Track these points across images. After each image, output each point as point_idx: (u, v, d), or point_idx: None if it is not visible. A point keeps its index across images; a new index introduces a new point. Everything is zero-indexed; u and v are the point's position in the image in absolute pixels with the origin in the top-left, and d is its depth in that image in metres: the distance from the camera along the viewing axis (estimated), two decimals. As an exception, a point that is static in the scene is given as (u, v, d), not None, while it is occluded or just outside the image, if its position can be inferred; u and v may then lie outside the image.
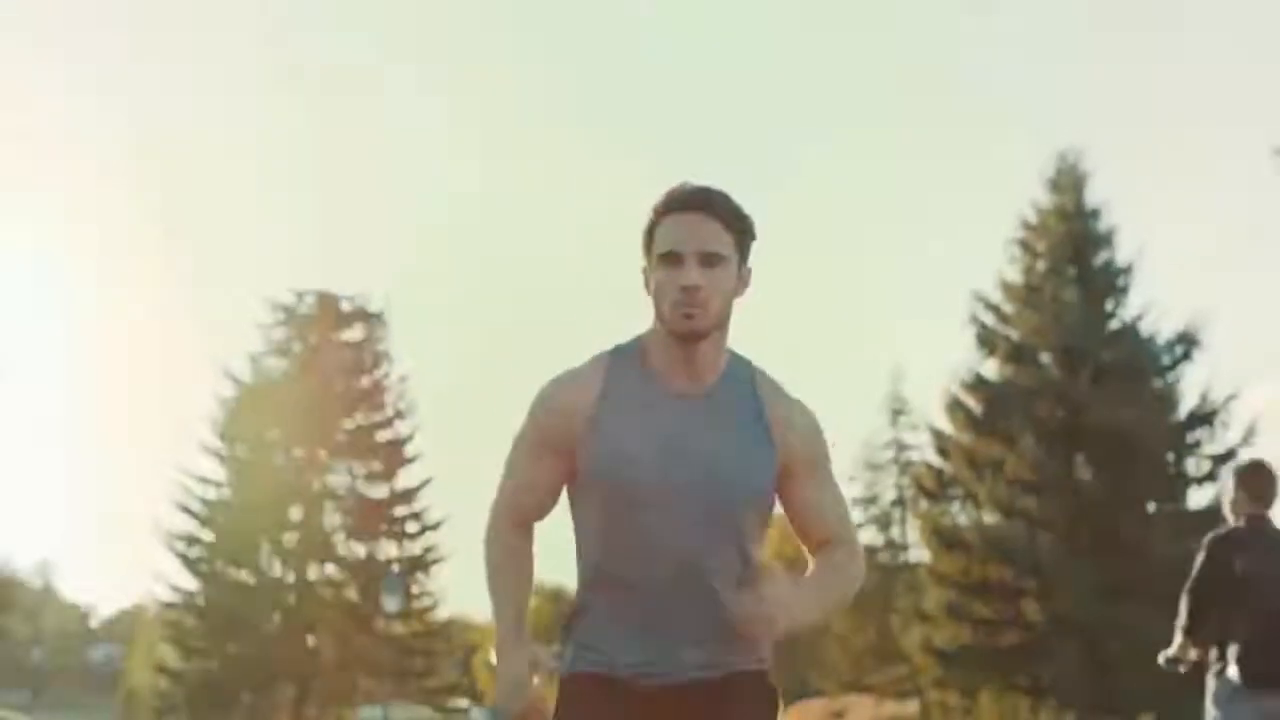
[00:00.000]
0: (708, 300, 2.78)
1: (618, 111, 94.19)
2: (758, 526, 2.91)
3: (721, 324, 2.86)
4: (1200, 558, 5.97)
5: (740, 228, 2.86)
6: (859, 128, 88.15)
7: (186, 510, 35.71)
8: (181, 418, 62.55)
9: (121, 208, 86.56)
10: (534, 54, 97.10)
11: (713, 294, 2.79)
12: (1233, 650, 5.82)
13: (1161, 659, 6.12)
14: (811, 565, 2.98)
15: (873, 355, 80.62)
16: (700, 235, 2.80)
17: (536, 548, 3.04)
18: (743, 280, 2.89)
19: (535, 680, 2.86)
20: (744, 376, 2.93)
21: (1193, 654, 6.00)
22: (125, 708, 53.27)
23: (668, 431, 2.84)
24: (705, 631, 2.86)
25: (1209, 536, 6.03)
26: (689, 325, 2.80)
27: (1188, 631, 5.98)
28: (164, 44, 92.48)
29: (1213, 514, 27.63)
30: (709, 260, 2.80)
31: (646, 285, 2.89)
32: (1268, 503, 6.03)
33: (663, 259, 2.82)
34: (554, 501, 2.99)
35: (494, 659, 2.89)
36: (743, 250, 2.88)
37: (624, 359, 2.92)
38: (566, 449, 2.89)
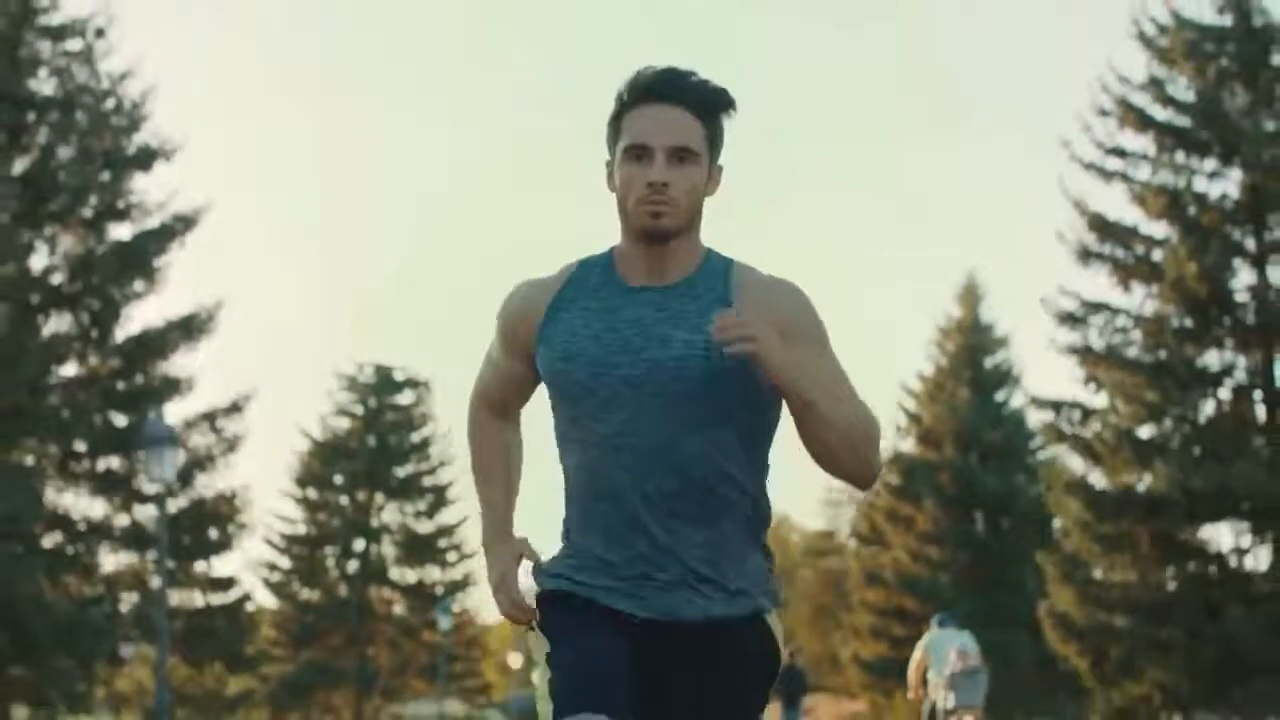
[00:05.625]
0: (677, 198, 2.53)
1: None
2: (742, 418, 2.59)
3: (691, 223, 2.59)
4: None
5: (714, 120, 2.60)
6: (858, 139, 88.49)
7: (269, 542, 40.41)
8: (266, 468, 68.44)
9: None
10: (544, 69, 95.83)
11: (682, 191, 2.54)
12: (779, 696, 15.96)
13: None
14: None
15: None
16: (671, 128, 2.54)
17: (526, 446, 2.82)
18: (714, 178, 2.63)
19: (521, 577, 2.60)
20: (719, 269, 2.64)
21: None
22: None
23: (619, 324, 2.59)
24: (690, 538, 2.55)
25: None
26: (655, 224, 2.54)
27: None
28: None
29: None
30: (679, 155, 2.54)
31: (610, 180, 2.63)
32: (791, 655, 16.05)
33: (628, 152, 2.56)
34: (523, 397, 2.81)
35: (484, 557, 2.66)
36: (715, 144, 2.61)
37: (591, 262, 2.69)
38: (525, 351, 2.70)
